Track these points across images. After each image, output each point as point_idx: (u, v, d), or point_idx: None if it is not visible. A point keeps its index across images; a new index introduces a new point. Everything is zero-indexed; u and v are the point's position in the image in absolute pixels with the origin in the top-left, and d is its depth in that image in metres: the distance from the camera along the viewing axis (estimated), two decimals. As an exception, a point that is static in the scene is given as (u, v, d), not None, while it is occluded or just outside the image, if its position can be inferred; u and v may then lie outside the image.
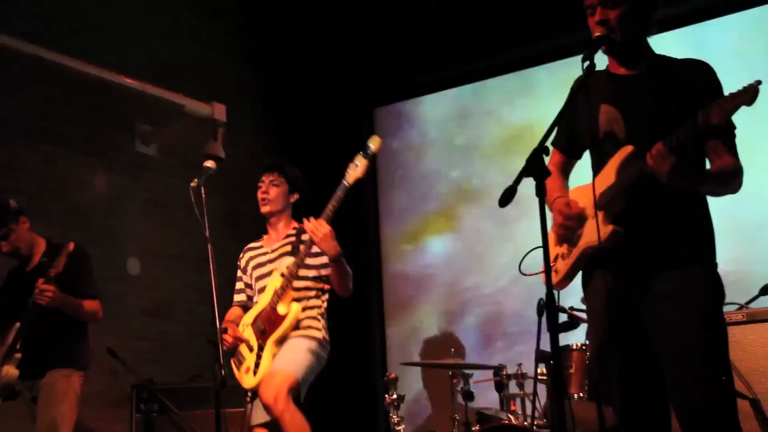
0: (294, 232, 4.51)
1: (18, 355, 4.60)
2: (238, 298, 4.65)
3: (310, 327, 4.34)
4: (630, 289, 2.90)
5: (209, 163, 4.02)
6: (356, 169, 4.20)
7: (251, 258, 4.61)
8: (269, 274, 4.44)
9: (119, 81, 6.15)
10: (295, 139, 7.69)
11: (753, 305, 4.28)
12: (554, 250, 3.12)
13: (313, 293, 4.43)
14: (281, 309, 4.25)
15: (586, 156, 3.20)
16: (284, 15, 7.72)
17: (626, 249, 2.86)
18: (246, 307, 4.59)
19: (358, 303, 4.67)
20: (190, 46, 7.17)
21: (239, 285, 4.67)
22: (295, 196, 4.60)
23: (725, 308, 3.97)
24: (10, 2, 5.83)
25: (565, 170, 3.29)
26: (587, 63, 2.85)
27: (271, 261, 4.48)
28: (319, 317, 4.42)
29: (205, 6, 7.40)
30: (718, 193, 2.96)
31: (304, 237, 4.31)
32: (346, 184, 4.20)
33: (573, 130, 3.15)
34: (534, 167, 2.55)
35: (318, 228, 4.12)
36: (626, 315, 2.90)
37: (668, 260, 2.84)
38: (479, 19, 6.99)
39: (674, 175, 2.69)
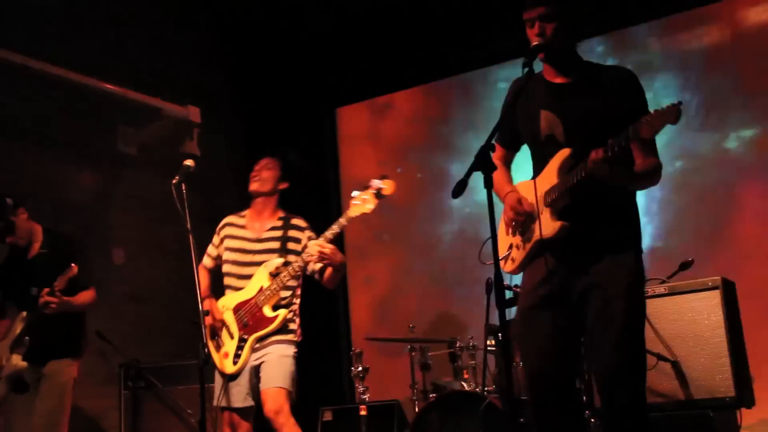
0: (281, 223, 4.35)
1: (27, 339, 4.53)
2: (206, 262, 4.48)
3: (289, 330, 4.22)
4: (568, 269, 3.04)
5: (189, 162, 3.99)
6: (364, 206, 3.99)
7: (230, 235, 4.40)
8: (252, 264, 4.27)
9: (102, 87, 6.15)
10: (263, 137, 7.65)
11: (673, 280, 4.39)
12: (508, 239, 3.25)
13: (294, 300, 4.30)
14: (268, 311, 4.14)
15: (524, 149, 3.33)
16: (253, 22, 7.68)
17: (570, 239, 3.02)
18: (211, 272, 4.48)
19: (321, 293, 4.61)
20: (166, 53, 7.13)
21: (211, 251, 4.48)
22: (285, 184, 4.41)
23: (650, 283, 4.18)
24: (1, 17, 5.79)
25: (508, 162, 3.42)
26: (527, 69, 2.99)
27: (255, 252, 4.30)
28: (296, 317, 4.31)
29: (181, 16, 7.37)
30: (645, 187, 3.18)
31: (292, 233, 4.27)
32: (351, 215, 4.01)
33: (514, 128, 3.26)
34: (482, 162, 2.66)
35: (324, 248, 4.00)
36: (562, 288, 3.05)
37: (604, 248, 3.01)
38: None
39: (613, 178, 2.91)
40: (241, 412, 4.16)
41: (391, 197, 4.02)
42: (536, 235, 3.09)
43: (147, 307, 6.53)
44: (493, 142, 2.75)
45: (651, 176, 3.07)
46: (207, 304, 4.26)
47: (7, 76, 5.68)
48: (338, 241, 4.21)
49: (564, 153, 3.03)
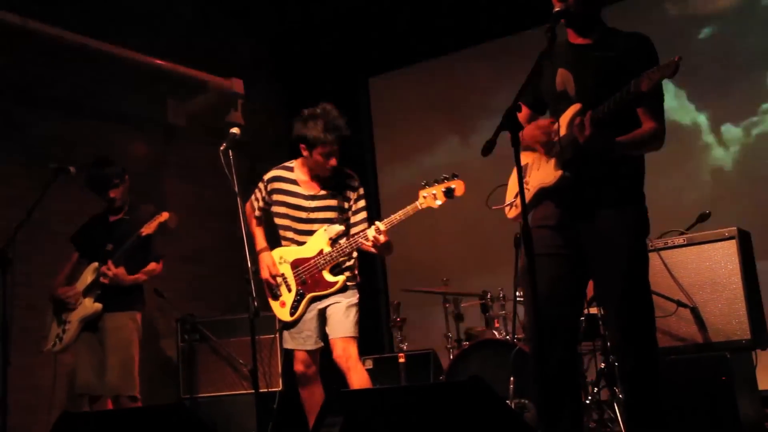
0: (331, 180, 4.22)
1: (98, 292, 4.66)
2: (256, 204, 4.36)
3: (352, 277, 4.24)
4: (572, 218, 3.05)
5: (234, 130, 3.91)
6: (433, 201, 3.94)
7: (280, 189, 4.26)
8: (310, 221, 4.20)
9: (152, 62, 6.20)
10: (301, 106, 7.62)
11: (691, 231, 4.36)
12: (514, 187, 3.23)
13: (350, 261, 4.26)
14: (328, 276, 4.12)
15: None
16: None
17: (572, 189, 3.01)
18: (259, 221, 4.39)
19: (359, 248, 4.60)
20: (210, 29, 7.17)
21: (258, 201, 4.35)
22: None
23: (669, 234, 4.15)
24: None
25: (531, 121, 3.37)
26: (549, 34, 2.96)
27: (311, 209, 4.20)
28: (356, 262, 4.29)
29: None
30: (639, 153, 3.07)
31: (345, 193, 4.20)
32: (419, 207, 3.98)
33: (538, 90, 3.24)
34: (509, 122, 2.67)
35: (378, 240, 4.00)
36: (567, 236, 3.05)
37: (606, 200, 2.99)
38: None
39: (588, 143, 2.85)
40: (312, 353, 4.21)
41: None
42: (538, 182, 3.09)
43: (199, 266, 6.64)
44: (519, 103, 2.75)
45: (644, 143, 2.99)
46: (266, 257, 4.24)
47: (65, 55, 5.75)
48: (374, 198, 4.16)
49: (575, 107, 3.00)
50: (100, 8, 6.16)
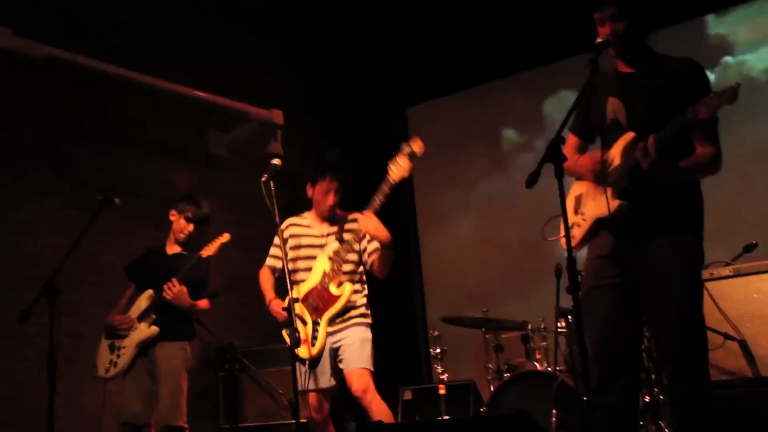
0: (340, 219, 4.37)
1: (153, 316, 4.69)
2: (271, 262, 4.48)
3: (364, 313, 4.26)
4: (628, 247, 3.03)
5: (275, 161, 4.00)
6: (400, 168, 4.02)
7: (295, 234, 4.39)
8: (315, 257, 4.29)
9: (194, 94, 6.29)
10: (339, 135, 7.69)
11: (737, 262, 4.30)
12: (570, 218, 3.21)
13: (357, 276, 4.30)
14: (334, 289, 4.16)
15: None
16: (327, 30, 7.76)
17: (629, 218, 2.99)
18: (274, 271, 4.47)
19: (398, 278, 4.58)
20: (251, 61, 7.27)
21: (275, 252, 4.46)
22: (342, 191, 4.41)
23: (714, 265, 4.09)
24: (102, 32, 5.99)
25: (582, 151, 3.38)
26: (592, 65, 2.96)
27: (321, 246, 4.31)
28: (366, 298, 4.32)
29: (262, 28, 7.49)
30: (698, 178, 3.07)
31: (349, 226, 4.25)
32: (391, 181, 4.03)
33: (587, 118, 3.25)
34: (553, 154, 2.66)
35: (369, 221, 4.04)
36: (624, 265, 3.04)
37: (662, 229, 2.97)
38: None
39: (653, 169, 2.86)
40: (325, 392, 4.21)
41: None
42: (596, 213, 3.07)
43: (240, 295, 6.64)
44: (565, 132, 2.75)
45: (703, 168, 3.00)
46: (275, 305, 4.25)
47: (110, 86, 5.87)
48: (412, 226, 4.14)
49: (628, 136, 3.01)
50: (144, 43, 6.30)
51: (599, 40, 3.01)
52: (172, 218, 4.97)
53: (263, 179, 3.94)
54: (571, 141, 3.33)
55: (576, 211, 3.22)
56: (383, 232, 4.08)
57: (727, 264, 4.19)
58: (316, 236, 4.36)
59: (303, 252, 4.34)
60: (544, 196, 3.09)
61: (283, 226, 4.40)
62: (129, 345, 4.69)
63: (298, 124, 7.41)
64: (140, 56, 6.10)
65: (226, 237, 4.76)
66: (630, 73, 3.13)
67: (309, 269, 4.30)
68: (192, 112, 6.52)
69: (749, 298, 3.99)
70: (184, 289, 4.69)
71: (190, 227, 4.92)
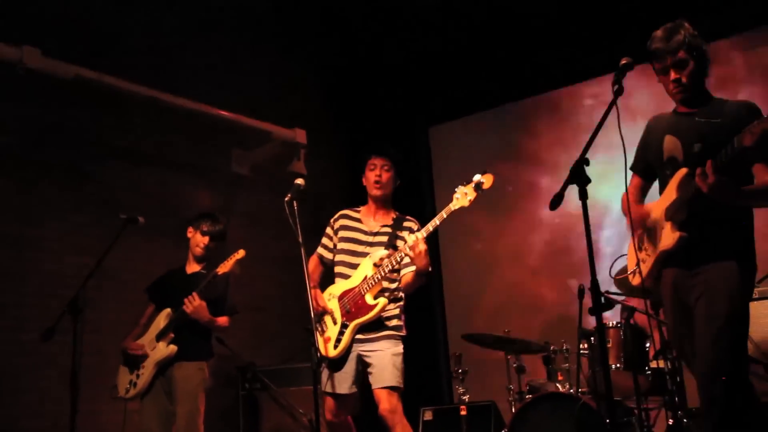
0: (392, 222, 4.30)
1: (171, 335, 4.69)
2: (322, 252, 4.43)
3: (398, 327, 4.19)
4: (686, 277, 3.13)
5: (299, 181, 3.94)
6: (464, 199, 3.97)
7: (344, 226, 4.35)
8: (363, 254, 4.22)
9: (217, 114, 6.33)
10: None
11: (763, 284, 4.25)
12: (634, 256, 3.33)
13: (397, 294, 4.23)
14: (369, 299, 4.09)
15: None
16: (350, 47, 7.81)
17: (687, 248, 3.09)
18: (323, 262, 4.43)
19: (419, 297, 4.56)
20: (274, 81, 7.32)
21: (326, 242, 4.43)
22: (398, 182, 4.40)
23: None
24: (127, 53, 6.06)
25: (643, 191, 3.48)
26: (616, 86, 2.96)
27: (368, 244, 4.24)
28: (402, 313, 4.25)
29: (285, 48, 7.55)
30: (759, 206, 3.17)
31: (401, 233, 4.19)
32: (452, 208, 3.98)
33: (646, 158, 3.36)
34: (577, 176, 2.66)
35: (416, 246, 3.95)
36: (682, 297, 3.15)
37: (713, 255, 3.06)
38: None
39: (714, 190, 2.90)
40: (345, 398, 4.14)
41: (485, 206, 3.98)
42: (660, 246, 3.17)
43: (261, 314, 6.65)
44: (630, 172, 3.00)
45: (764, 196, 3.05)
46: (314, 293, 4.21)
47: (134, 107, 5.94)
48: (435, 251, 4.13)
49: (682, 171, 3.10)
50: (169, 64, 6.36)
51: (623, 61, 3.00)
52: (189, 235, 5.00)
53: (287, 199, 3.88)
54: (634, 181, 3.46)
55: (639, 248, 3.31)
56: (423, 261, 4.01)
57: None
58: (365, 232, 4.31)
59: (348, 246, 4.30)
60: (567, 216, 3.11)
61: (334, 217, 4.45)
62: (148, 365, 4.70)
63: (321, 143, 7.44)
64: (165, 76, 6.16)
65: (241, 253, 4.73)
66: (688, 113, 3.24)
67: (351, 264, 4.26)
68: (215, 132, 6.58)
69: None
70: (204, 303, 4.69)
71: (206, 240, 4.93)
